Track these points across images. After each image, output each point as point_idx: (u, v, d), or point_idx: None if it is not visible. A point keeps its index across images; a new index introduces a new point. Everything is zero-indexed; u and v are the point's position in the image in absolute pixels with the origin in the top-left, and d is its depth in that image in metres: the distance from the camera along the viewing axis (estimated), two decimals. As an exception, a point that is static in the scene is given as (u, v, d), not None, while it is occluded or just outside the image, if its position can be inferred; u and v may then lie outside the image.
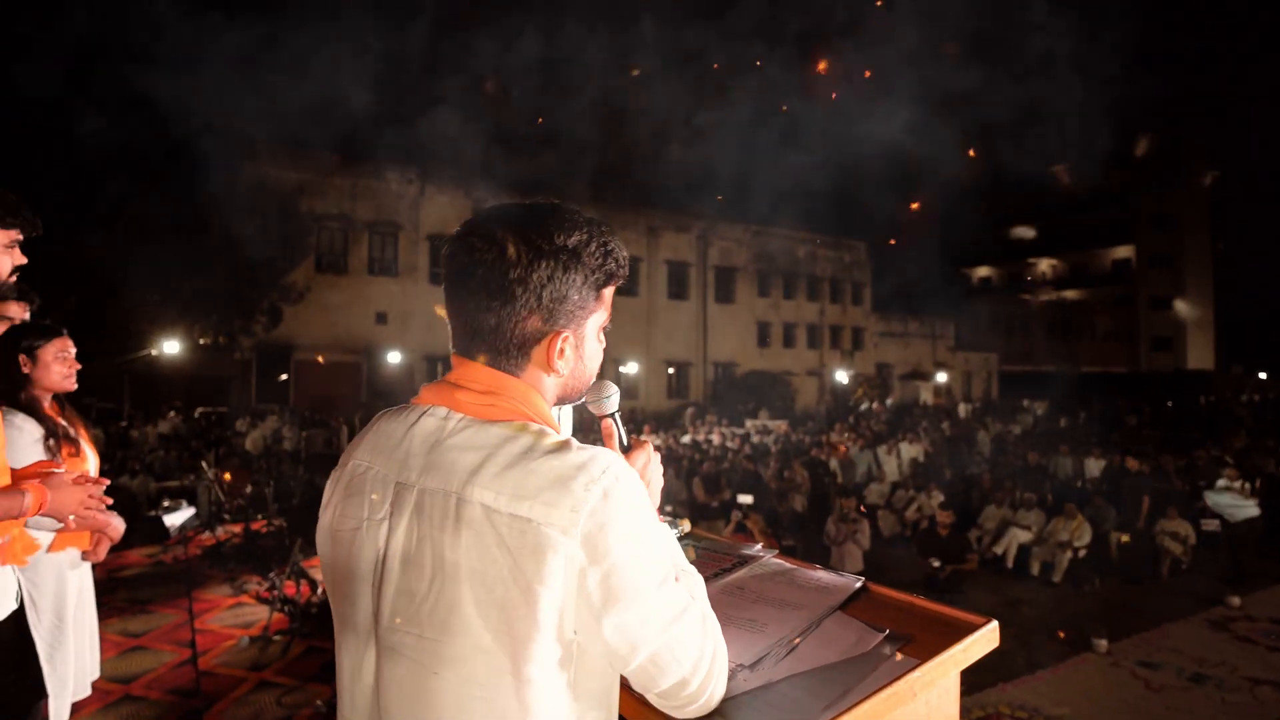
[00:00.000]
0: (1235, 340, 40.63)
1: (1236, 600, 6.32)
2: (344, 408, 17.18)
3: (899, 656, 0.89)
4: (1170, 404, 23.31)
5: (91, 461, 2.39)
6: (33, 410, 2.13)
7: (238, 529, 6.98)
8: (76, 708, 2.34)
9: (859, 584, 1.08)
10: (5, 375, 2.12)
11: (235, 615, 4.91)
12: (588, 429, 3.79)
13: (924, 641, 0.91)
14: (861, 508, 7.55)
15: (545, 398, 0.87)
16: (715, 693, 0.82)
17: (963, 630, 0.92)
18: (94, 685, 2.48)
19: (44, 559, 2.16)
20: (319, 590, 5.00)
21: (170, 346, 15.65)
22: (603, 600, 0.73)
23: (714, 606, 0.87)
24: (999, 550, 7.67)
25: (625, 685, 0.84)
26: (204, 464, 8.46)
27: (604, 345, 0.93)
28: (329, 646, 4.21)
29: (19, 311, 2.42)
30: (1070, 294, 44.29)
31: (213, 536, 6.98)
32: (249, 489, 8.28)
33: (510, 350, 0.83)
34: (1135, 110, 38.34)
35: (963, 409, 22.39)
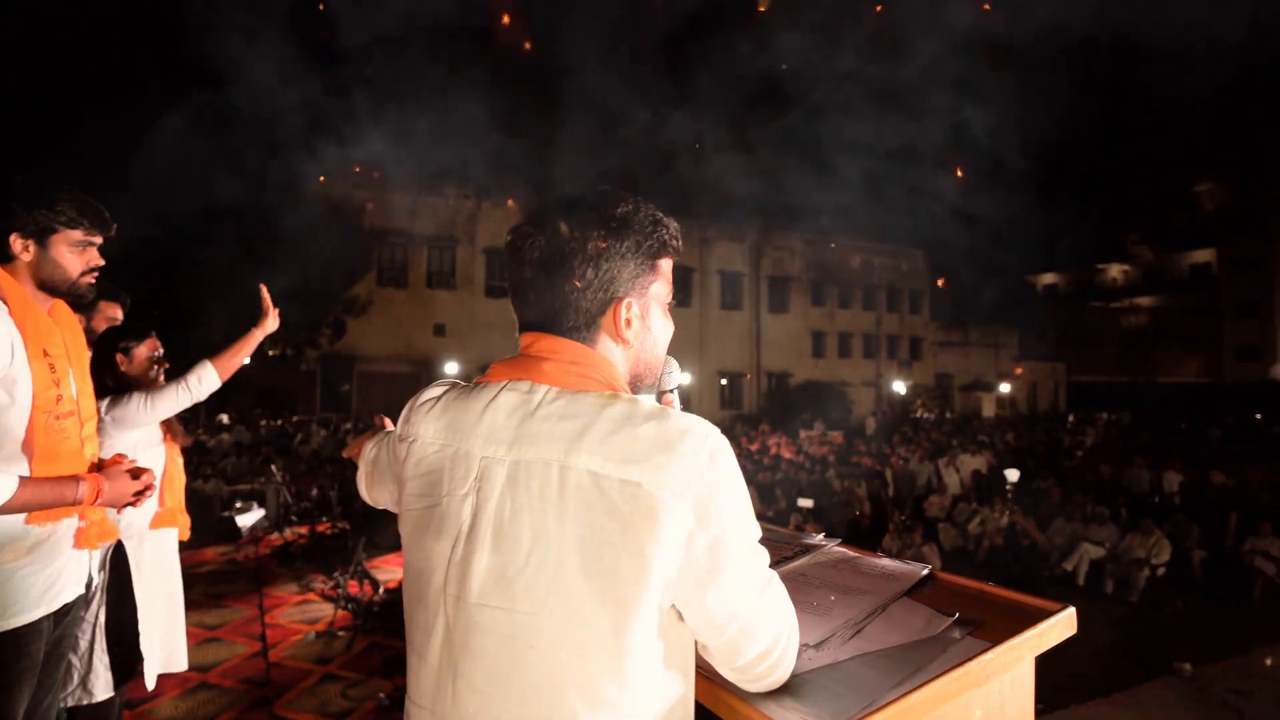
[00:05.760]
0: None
1: (1339, 625, 5.85)
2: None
3: (970, 640, 0.86)
4: (1259, 417, 21.84)
5: (172, 452, 2.54)
6: None
7: (304, 530, 7.26)
8: (161, 691, 2.48)
9: (925, 571, 1.06)
10: (110, 375, 2.28)
11: (302, 611, 5.09)
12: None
13: (996, 626, 0.89)
14: (908, 518, 7.31)
15: (621, 372, 0.87)
16: (789, 666, 0.82)
17: (1037, 616, 0.89)
18: (174, 673, 2.62)
19: (151, 535, 2.32)
20: (380, 589, 5.15)
21: (243, 358, 16.44)
22: (710, 566, 0.73)
23: None
24: (1069, 567, 7.31)
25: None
26: (274, 468, 8.83)
27: (671, 324, 0.93)
28: (391, 643, 4.32)
29: (116, 312, 2.60)
30: (1144, 300, 42.05)
31: (281, 537, 7.26)
32: (314, 492, 8.61)
33: (580, 325, 0.84)
34: (1215, 107, 36.38)
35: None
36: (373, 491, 1.16)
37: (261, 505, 8.02)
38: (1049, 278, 46.19)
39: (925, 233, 29.13)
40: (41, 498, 1.50)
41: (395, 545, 6.64)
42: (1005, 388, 30.34)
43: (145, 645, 2.23)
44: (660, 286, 0.89)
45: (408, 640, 0.84)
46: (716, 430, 0.77)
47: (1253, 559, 6.97)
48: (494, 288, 23.15)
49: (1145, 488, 10.10)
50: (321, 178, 19.17)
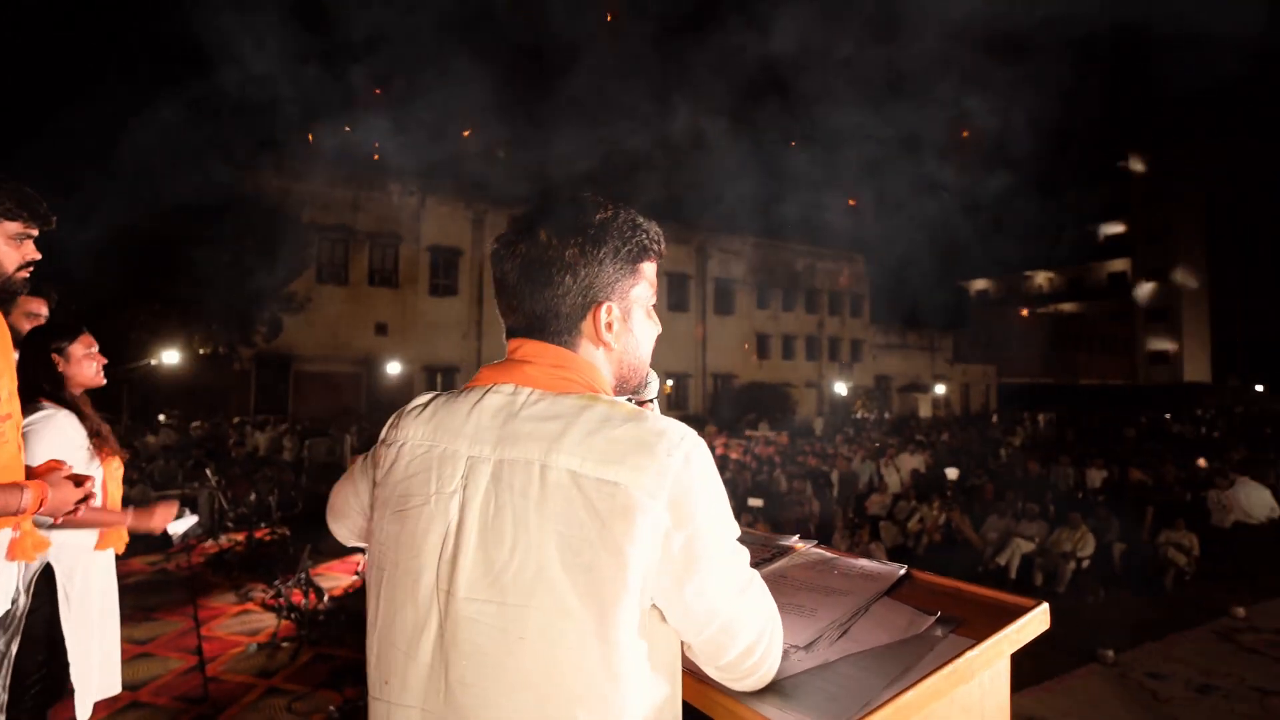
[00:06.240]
0: (1233, 353, 40.72)
1: (1242, 611, 6.31)
2: (344, 418, 17.15)
3: (953, 638, 0.90)
4: (1168, 416, 23.41)
5: (110, 467, 2.39)
6: (77, 411, 2.13)
7: (241, 537, 6.95)
8: (95, 709, 2.32)
9: (903, 571, 1.10)
10: (46, 377, 2.12)
11: (241, 622, 4.87)
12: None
13: (976, 624, 0.92)
14: (856, 517, 7.55)
15: (604, 375, 0.90)
16: (774, 664, 0.84)
17: (1013, 612, 0.93)
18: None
19: (87, 555, 2.16)
20: (325, 598, 4.98)
21: (170, 357, 15.62)
22: (686, 565, 0.75)
23: None
24: (1002, 561, 7.65)
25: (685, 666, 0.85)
26: (208, 472, 8.43)
27: (657, 326, 0.96)
28: (338, 654, 4.19)
29: (41, 308, 2.43)
30: (1067, 307, 44.48)
31: (216, 544, 6.94)
32: (252, 497, 8.25)
33: (562, 329, 0.87)
34: (1130, 124, 38.75)
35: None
36: (345, 514, 1.05)
37: (194, 511, 7.62)
38: (981, 284, 48.33)
39: (867, 238, 30.08)
40: None
41: (340, 551, 6.43)
42: (940, 389, 31.58)
43: (82, 673, 2.09)
44: (642, 289, 0.92)
45: (388, 642, 0.83)
46: (693, 433, 0.79)
47: (1166, 550, 7.45)
48: (438, 286, 22.67)
49: (1070, 484, 10.66)
50: (258, 168, 18.41)
